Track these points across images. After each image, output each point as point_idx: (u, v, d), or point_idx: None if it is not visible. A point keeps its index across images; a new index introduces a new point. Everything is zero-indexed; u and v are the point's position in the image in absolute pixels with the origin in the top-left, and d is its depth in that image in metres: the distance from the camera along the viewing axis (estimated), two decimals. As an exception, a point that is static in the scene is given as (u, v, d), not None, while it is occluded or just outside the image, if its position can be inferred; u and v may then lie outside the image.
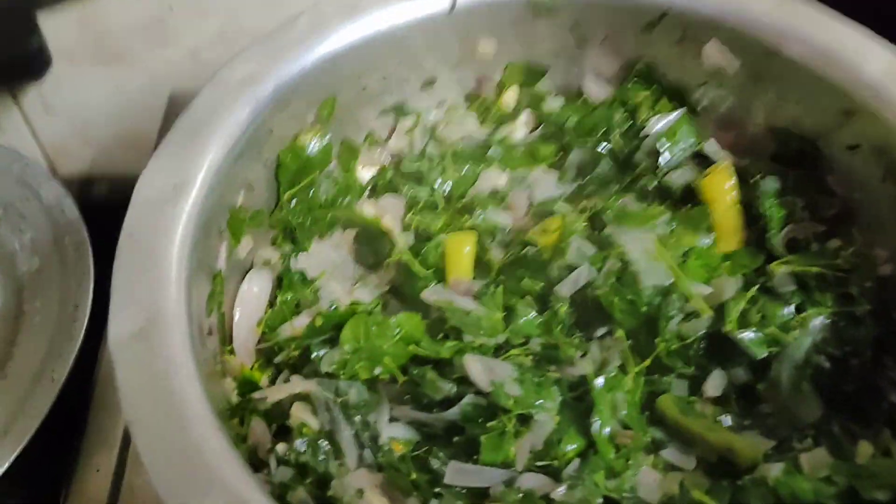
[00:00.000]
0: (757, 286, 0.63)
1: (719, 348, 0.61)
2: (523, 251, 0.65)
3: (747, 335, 0.60)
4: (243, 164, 0.63)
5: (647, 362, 0.60)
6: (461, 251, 0.65)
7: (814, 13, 0.68)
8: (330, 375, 0.59)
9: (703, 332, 0.61)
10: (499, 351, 0.61)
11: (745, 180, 0.69)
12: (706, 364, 0.61)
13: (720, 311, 0.61)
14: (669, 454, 0.58)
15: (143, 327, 0.51)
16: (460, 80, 0.77)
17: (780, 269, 0.64)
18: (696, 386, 0.61)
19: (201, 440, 0.47)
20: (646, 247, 0.62)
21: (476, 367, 0.57)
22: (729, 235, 0.67)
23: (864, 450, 0.55)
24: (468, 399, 0.57)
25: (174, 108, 0.95)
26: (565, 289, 0.62)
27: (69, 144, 1.04)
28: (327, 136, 0.70)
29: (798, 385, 0.59)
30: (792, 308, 0.62)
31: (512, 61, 0.77)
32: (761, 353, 0.60)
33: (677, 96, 0.75)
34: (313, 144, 0.69)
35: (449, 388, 0.58)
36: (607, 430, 0.57)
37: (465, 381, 0.58)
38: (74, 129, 1.03)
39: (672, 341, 0.60)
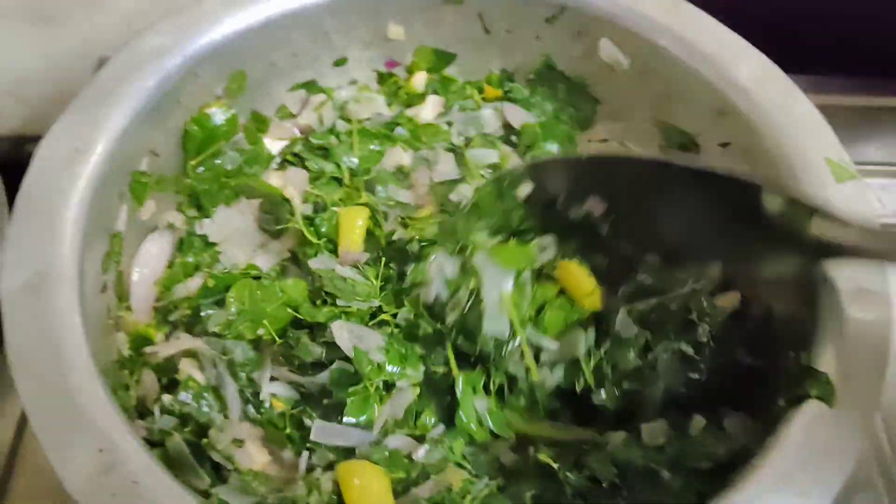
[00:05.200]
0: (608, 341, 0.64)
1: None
2: (395, 237, 0.69)
3: (600, 395, 0.63)
4: (148, 132, 0.67)
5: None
6: (353, 224, 0.69)
7: (698, 18, 0.72)
8: (217, 335, 0.63)
9: (555, 385, 0.64)
10: (372, 320, 0.65)
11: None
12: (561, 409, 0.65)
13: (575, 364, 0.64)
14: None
15: (32, 281, 0.55)
16: (371, 61, 0.81)
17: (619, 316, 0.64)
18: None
19: (79, 387, 0.51)
20: (501, 291, 0.63)
21: (342, 334, 0.62)
22: (587, 297, 0.66)
23: (697, 423, 0.60)
24: (336, 365, 0.62)
25: (102, 70, 0.97)
26: (423, 294, 0.66)
27: (2, 103, 1.06)
28: (233, 108, 0.73)
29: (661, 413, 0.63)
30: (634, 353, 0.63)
31: (421, 45, 0.81)
32: (616, 405, 0.63)
33: (575, 90, 0.80)
34: (219, 115, 0.72)
35: (319, 352, 0.63)
36: (472, 424, 0.62)
37: (335, 347, 0.62)
38: (6, 88, 1.04)
39: (520, 391, 0.64)
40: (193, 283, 0.67)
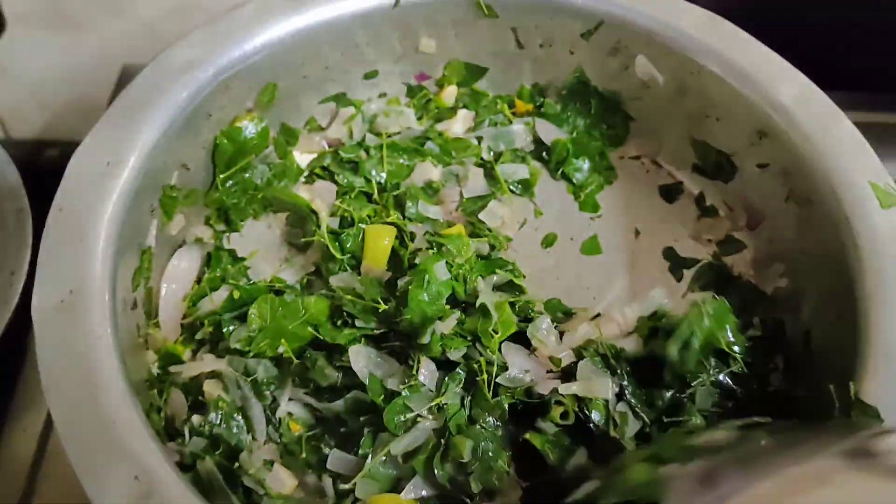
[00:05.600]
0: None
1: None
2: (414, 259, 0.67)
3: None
4: (179, 145, 0.66)
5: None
6: (380, 242, 0.68)
7: (736, 36, 0.71)
8: (239, 352, 0.62)
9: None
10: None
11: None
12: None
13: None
14: None
15: (65, 299, 0.54)
16: (402, 74, 0.80)
17: None
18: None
19: (113, 410, 0.50)
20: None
21: (360, 358, 0.60)
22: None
23: None
24: (352, 394, 0.61)
25: (126, 80, 0.95)
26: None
27: (23, 108, 1.05)
28: (264, 121, 0.72)
29: None
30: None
31: (453, 59, 0.79)
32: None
33: (608, 106, 0.79)
34: (250, 128, 0.71)
35: (336, 377, 0.61)
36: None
37: (353, 372, 0.61)
38: (28, 94, 1.04)
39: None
40: (218, 297, 0.66)
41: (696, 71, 0.71)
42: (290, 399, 0.62)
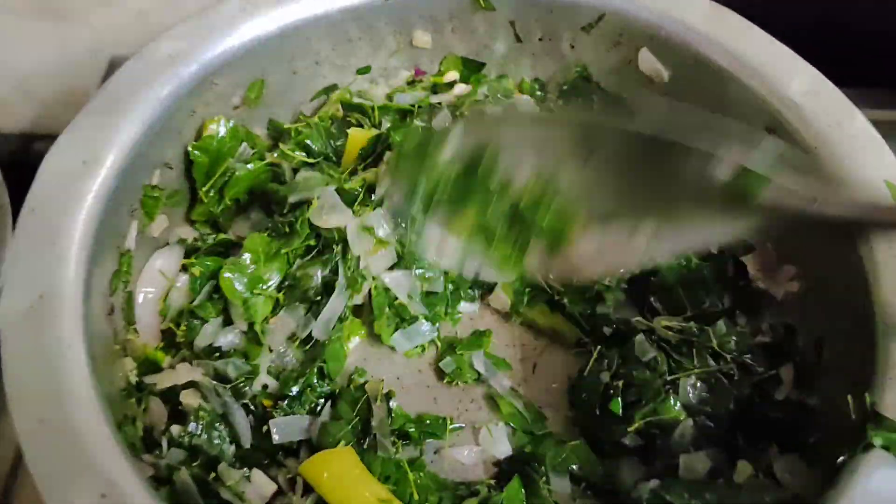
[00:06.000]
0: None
1: None
2: None
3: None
4: (161, 144, 0.63)
5: None
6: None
7: (744, 28, 0.68)
8: (209, 354, 0.60)
9: None
10: None
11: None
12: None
13: None
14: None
15: (34, 305, 0.51)
16: (396, 70, 0.77)
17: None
18: None
19: (81, 423, 0.48)
20: None
21: None
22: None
23: (743, 469, 0.56)
24: None
25: (113, 73, 0.93)
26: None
27: (11, 100, 1.02)
28: (231, 120, 0.68)
29: (686, 449, 0.59)
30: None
31: (449, 54, 0.77)
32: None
33: (611, 102, 0.75)
34: (220, 132, 0.67)
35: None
36: None
37: None
38: (16, 85, 1.01)
39: None
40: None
41: (702, 65, 0.68)
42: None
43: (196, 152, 0.66)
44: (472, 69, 0.77)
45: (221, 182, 0.68)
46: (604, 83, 0.75)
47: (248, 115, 0.70)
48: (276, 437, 0.58)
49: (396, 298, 0.66)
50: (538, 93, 0.78)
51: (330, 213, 0.64)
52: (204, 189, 0.67)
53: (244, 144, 0.69)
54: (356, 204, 0.66)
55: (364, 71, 0.75)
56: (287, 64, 0.71)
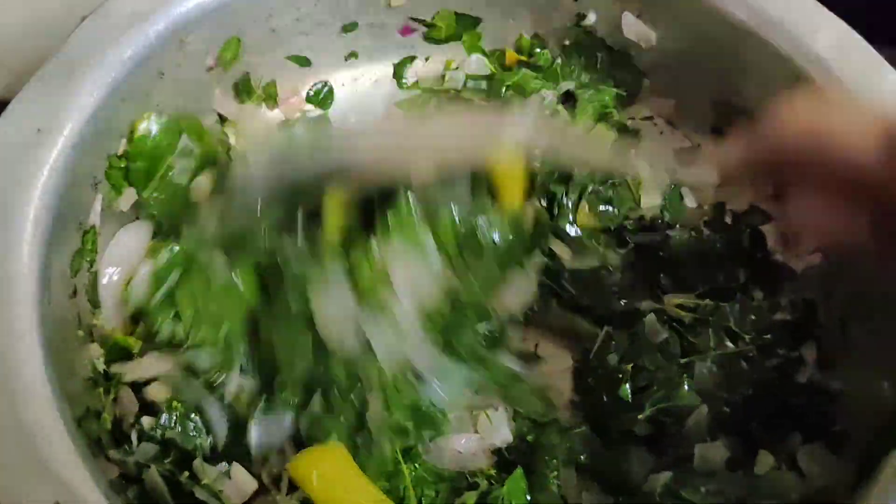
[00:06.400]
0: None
1: None
2: None
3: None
4: (126, 109, 0.58)
5: None
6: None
7: (765, -21, 0.62)
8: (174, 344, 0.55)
9: None
10: None
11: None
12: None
13: None
14: None
15: (-20, 291, 0.46)
16: (384, 27, 0.71)
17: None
18: None
19: (34, 422, 0.43)
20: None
21: None
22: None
23: (764, 460, 0.52)
24: None
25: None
26: None
27: (-22, 66, 0.97)
28: (163, 115, 0.61)
29: (702, 438, 0.55)
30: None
31: (442, 8, 0.71)
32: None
33: (617, 60, 0.70)
34: (152, 129, 0.60)
35: None
36: None
37: None
38: (-16, 51, 0.96)
39: None
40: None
41: (719, 19, 0.62)
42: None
43: (132, 159, 0.59)
44: (466, 25, 0.72)
45: (165, 183, 0.61)
46: (609, 40, 0.69)
47: (224, 76, 0.64)
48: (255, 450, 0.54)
49: None
50: (537, 50, 0.72)
51: None
52: (146, 193, 0.60)
53: (184, 136, 0.62)
54: None
55: (350, 28, 0.69)
56: (264, 21, 0.65)
